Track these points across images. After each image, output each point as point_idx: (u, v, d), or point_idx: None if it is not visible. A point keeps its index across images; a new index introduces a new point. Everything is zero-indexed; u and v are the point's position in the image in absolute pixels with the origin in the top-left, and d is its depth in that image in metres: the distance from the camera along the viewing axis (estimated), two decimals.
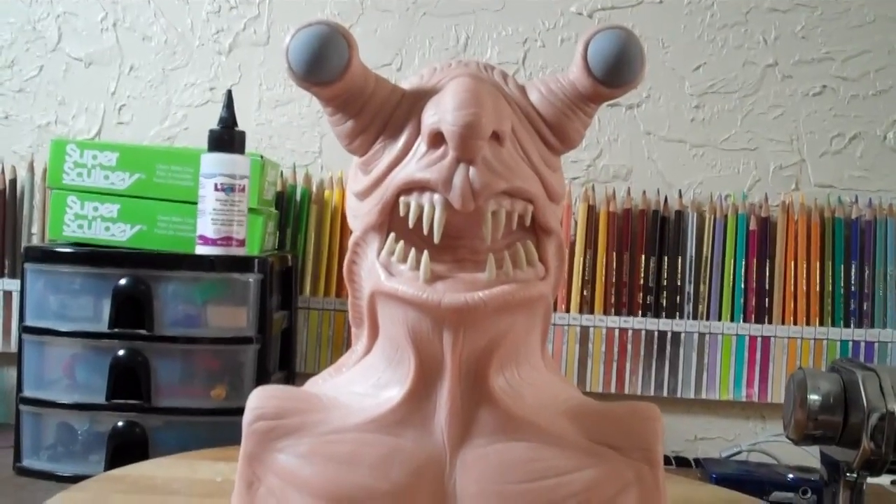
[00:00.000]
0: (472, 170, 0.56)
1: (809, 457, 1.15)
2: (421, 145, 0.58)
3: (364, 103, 0.59)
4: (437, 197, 0.57)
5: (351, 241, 0.62)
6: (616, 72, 0.58)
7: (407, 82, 0.62)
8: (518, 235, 0.60)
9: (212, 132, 1.09)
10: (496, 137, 0.57)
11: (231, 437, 1.03)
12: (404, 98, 0.60)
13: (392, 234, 0.59)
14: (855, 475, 0.80)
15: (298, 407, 0.62)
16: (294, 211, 1.33)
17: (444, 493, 0.59)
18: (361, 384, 0.63)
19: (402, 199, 0.58)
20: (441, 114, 0.56)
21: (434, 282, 0.57)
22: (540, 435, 0.60)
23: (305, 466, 0.60)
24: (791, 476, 1.09)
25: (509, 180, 0.57)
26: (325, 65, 0.56)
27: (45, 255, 1.08)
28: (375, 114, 0.60)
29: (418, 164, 0.58)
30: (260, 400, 0.62)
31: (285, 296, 1.23)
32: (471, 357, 0.58)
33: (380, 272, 0.58)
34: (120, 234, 1.14)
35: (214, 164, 1.07)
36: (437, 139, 0.57)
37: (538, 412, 0.61)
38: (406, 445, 0.60)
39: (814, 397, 0.80)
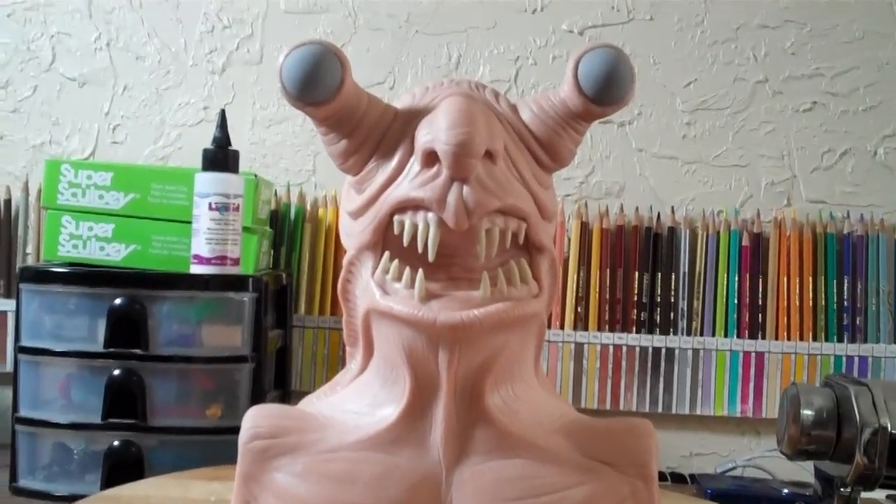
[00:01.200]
0: (465, 188, 0.56)
1: (804, 472, 1.15)
2: (414, 164, 0.59)
3: (357, 123, 0.60)
4: (431, 215, 0.57)
5: (345, 259, 0.62)
6: (606, 90, 0.59)
7: (399, 101, 0.62)
8: (511, 253, 0.61)
9: (206, 151, 1.09)
10: (489, 156, 0.57)
11: (227, 456, 1.04)
12: (397, 117, 0.61)
13: (387, 253, 0.60)
14: (849, 490, 0.80)
15: (294, 426, 0.62)
16: (288, 229, 1.33)
17: None
18: (357, 403, 0.63)
19: (396, 217, 0.59)
20: (434, 133, 0.57)
21: (429, 300, 0.57)
22: (535, 452, 0.60)
23: (301, 485, 0.60)
24: (786, 491, 1.09)
25: (502, 199, 0.58)
26: (318, 85, 0.57)
27: (41, 276, 1.09)
28: (369, 133, 0.60)
29: (412, 182, 0.58)
30: (256, 419, 0.63)
31: (280, 314, 1.23)
32: (466, 375, 0.59)
33: (374, 291, 0.59)
34: (115, 254, 1.14)
35: (208, 183, 1.07)
36: (430, 158, 0.57)
37: (533, 429, 0.61)
38: (402, 463, 0.60)
39: (807, 412, 0.81)
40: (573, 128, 0.61)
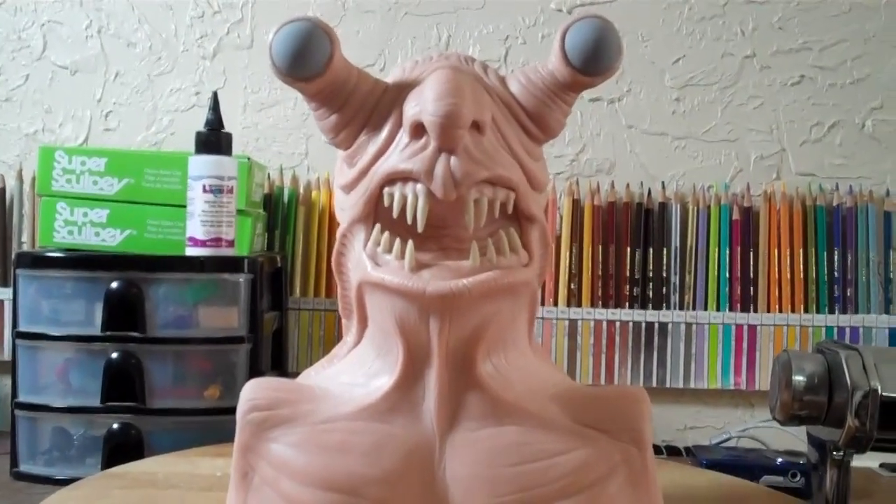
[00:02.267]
0: (453, 159, 0.57)
1: (798, 441, 1.16)
2: (403, 136, 0.59)
3: (347, 97, 0.60)
4: (419, 186, 0.58)
5: (338, 233, 0.63)
6: (594, 60, 0.59)
7: (390, 76, 0.63)
8: (501, 223, 0.61)
9: (198, 134, 1.10)
10: (477, 127, 0.58)
11: (226, 436, 1.04)
12: (387, 91, 0.61)
13: (377, 226, 0.60)
14: (841, 453, 0.81)
15: (291, 397, 0.63)
16: (282, 212, 1.34)
17: (435, 478, 0.60)
18: (352, 374, 0.64)
19: (386, 190, 0.60)
20: (422, 104, 0.57)
21: (419, 270, 0.58)
22: (528, 419, 0.61)
23: (298, 455, 0.61)
24: (780, 460, 1.10)
25: (490, 169, 0.58)
26: (307, 60, 0.58)
27: (37, 261, 1.09)
28: (359, 107, 0.61)
29: (401, 154, 0.59)
30: (253, 391, 0.64)
31: (276, 297, 1.24)
32: (458, 343, 0.59)
33: (366, 263, 0.59)
34: (110, 240, 1.14)
35: (202, 166, 1.08)
36: (418, 130, 0.58)
37: (526, 396, 0.62)
38: (396, 432, 0.61)
39: (798, 378, 0.81)
40: (562, 99, 0.62)
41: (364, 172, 0.61)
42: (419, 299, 0.57)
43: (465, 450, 0.60)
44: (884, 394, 0.77)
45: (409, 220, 0.58)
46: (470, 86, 0.58)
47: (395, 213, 0.59)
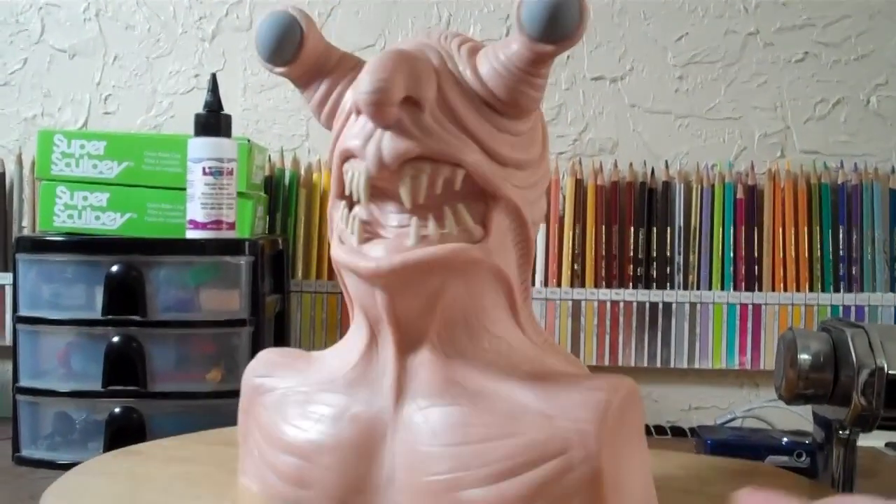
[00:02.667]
0: (385, 136, 0.58)
1: (803, 420, 1.16)
2: (354, 115, 0.61)
3: (325, 77, 0.64)
4: (361, 164, 0.59)
5: (328, 210, 0.66)
6: (550, 27, 0.57)
7: None
8: (461, 200, 0.61)
9: (198, 116, 1.09)
10: (415, 103, 0.58)
11: (228, 419, 1.04)
12: (358, 68, 0.64)
13: (342, 202, 0.63)
14: (847, 432, 0.81)
15: (285, 364, 0.69)
16: (283, 195, 1.33)
17: (381, 451, 0.62)
18: (341, 346, 0.68)
19: (344, 167, 0.62)
20: (357, 83, 0.59)
21: (375, 246, 0.60)
22: (480, 400, 0.61)
23: (270, 418, 0.67)
24: (785, 440, 1.10)
25: (425, 145, 0.59)
26: (280, 49, 0.63)
27: (37, 245, 1.09)
28: (334, 87, 0.64)
29: (349, 132, 0.61)
30: (259, 359, 0.71)
31: (277, 279, 1.24)
32: (408, 320, 0.61)
33: (333, 240, 0.63)
34: (110, 223, 1.14)
35: (202, 148, 1.08)
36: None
37: (484, 377, 0.62)
38: (355, 405, 0.64)
39: (804, 356, 0.81)
40: (531, 73, 0.60)
41: (332, 151, 0.63)
42: (361, 275, 0.60)
43: (411, 426, 0.62)
44: (890, 372, 0.77)
45: (355, 197, 0.61)
46: (407, 63, 0.58)
47: (346, 190, 0.62)
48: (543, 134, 0.67)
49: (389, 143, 0.58)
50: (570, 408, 0.59)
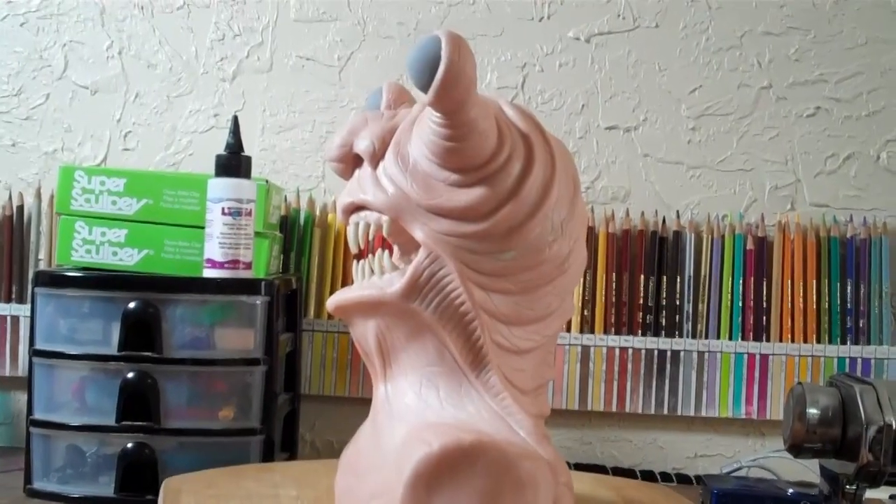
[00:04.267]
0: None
1: (809, 472, 1.16)
2: None
3: None
4: None
5: None
6: (413, 77, 0.63)
7: None
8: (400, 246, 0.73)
9: (219, 157, 1.11)
10: (361, 158, 0.68)
11: (240, 457, 1.06)
12: None
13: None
14: (854, 487, 0.82)
15: None
16: (298, 234, 1.34)
17: None
18: None
19: None
20: None
21: None
22: (375, 439, 0.70)
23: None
24: (791, 491, 1.10)
25: (353, 196, 0.68)
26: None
27: (56, 280, 1.10)
28: None
29: None
30: None
31: (290, 318, 1.25)
32: (364, 347, 0.71)
33: None
34: (128, 259, 1.15)
35: (222, 188, 1.09)
36: None
37: (389, 421, 0.69)
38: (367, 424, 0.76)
39: (812, 411, 0.82)
40: (438, 124, 0.65)
41: None
42: None
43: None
44: None
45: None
46: (351, 125, 0.69)
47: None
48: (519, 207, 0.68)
49: (341, 196, 0.71)
50: (403, 458, 0.63)
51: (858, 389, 0.80)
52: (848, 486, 0.82)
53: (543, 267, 0.69)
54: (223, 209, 1.08)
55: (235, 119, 1.13)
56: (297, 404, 1.26)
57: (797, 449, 0.84)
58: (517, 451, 0.63)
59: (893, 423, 0.77)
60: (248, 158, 1.12)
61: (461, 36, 0.64)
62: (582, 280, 1.31)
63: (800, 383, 0.85)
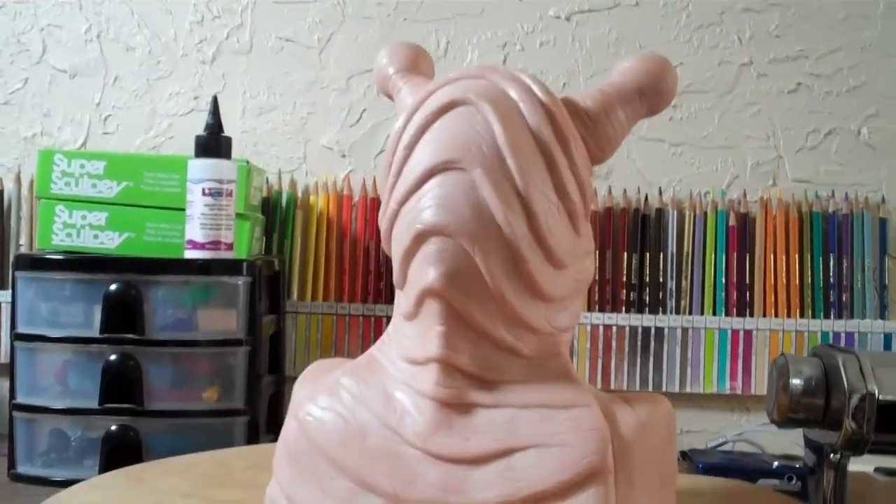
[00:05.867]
0: None
1: (794, 445, 1.17)
2: None
3: None
4: None
5: None
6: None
7: None
8: None
9: (198, 138, 1.10)
10: None
11: (224, 438, 1.05)
12: None
13: None
14: (838, 456, 0.82)
15: None
16: (280, 217, 1.34)
17: None
18: None
19: None
20: None
21: None
22: None
23: None
24: (776, 464, 1.11)
25: None
26: None
27: (36, 263, 1.10)
28: None
29: None
30: None
31: (273, 300, 1.24)
32: None
33: None
34: (109, 242, 1.15)
35: (202, 169, 1.09)
36: None
37: None
38: None
39: (796, 381, 0.82)
40: None
41: None
42: None
43: None
44: (881, 396, 0.78)
45: None
46: None
47: None
48: None
49: None
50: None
51: (841, 359, 0.80)
52: (832, 456, 0.82)
53: None
54: (203, 190, 1.08)
55: (215, 99, 1.13)
56: (282, 386, 1.26)
57: (781, 420, 0.84)
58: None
59: (876, 391, 0.78)
60: (229, 139, 1.11)
61: None
62: None
63: (783, 354, 0.85)
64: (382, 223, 0.61)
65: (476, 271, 0.56)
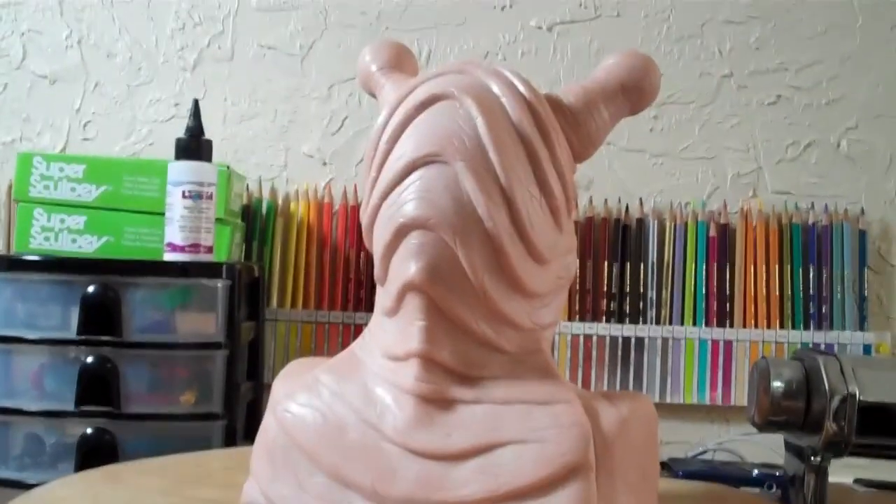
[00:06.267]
0: None
1: (774, 454, 1.17)
2: None
3: None
4: None
5: None
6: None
7: None
8: None
9: (179, 140, 1.10)
10: None
11: (201, 442, 1.04)
12: None
13: None
14: (819, 458, 0.82)
15: None
16: (260, 224, 1.33)
17: None
18: None
19: None
20: None
21: None
22: None
23: None
24: (756, 472, 1.11)
25: None
26: None
27: (13, 264, 1.09)
28: None
29: None
30: None
31: (252, 307, 1.24)
32: None
33: None
34: (87, 246, 1.14)
35: (182, 171, 1.08)
36: None
37: None
38: None
39: (777, 384, 0.82)
40: None
41: None
42: None
43: None
44: (862, 398, 0.78)
45: None
46: None
47: None
48: None
49: None
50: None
51: (822, 361, 0.80)
52: (813, 458, 0.82)
53: None
54: (183, 192, 1.07)
55: (196, 103, 1.12)
56: (261, 393, 1.25)
57: (763, 423, 0.83)
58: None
59: (857, 392, 0.77)
60: (209, 142, 1.11)
61: None
62: None
63: (764, 357, 0.85)
64: (364, 218, 0.60)
65: (458, 265, 0.56)
